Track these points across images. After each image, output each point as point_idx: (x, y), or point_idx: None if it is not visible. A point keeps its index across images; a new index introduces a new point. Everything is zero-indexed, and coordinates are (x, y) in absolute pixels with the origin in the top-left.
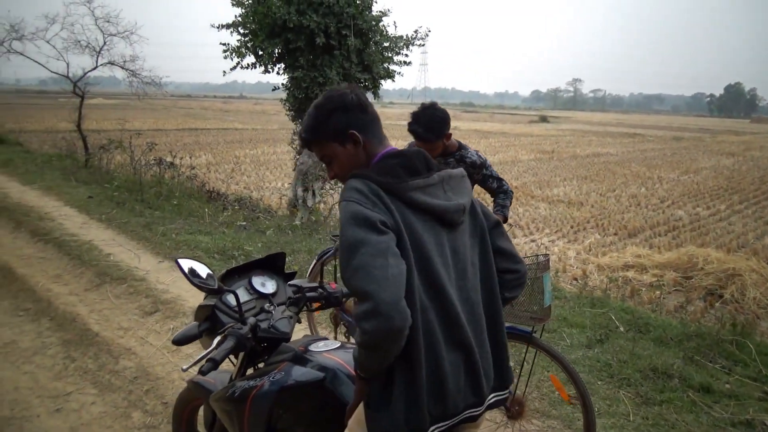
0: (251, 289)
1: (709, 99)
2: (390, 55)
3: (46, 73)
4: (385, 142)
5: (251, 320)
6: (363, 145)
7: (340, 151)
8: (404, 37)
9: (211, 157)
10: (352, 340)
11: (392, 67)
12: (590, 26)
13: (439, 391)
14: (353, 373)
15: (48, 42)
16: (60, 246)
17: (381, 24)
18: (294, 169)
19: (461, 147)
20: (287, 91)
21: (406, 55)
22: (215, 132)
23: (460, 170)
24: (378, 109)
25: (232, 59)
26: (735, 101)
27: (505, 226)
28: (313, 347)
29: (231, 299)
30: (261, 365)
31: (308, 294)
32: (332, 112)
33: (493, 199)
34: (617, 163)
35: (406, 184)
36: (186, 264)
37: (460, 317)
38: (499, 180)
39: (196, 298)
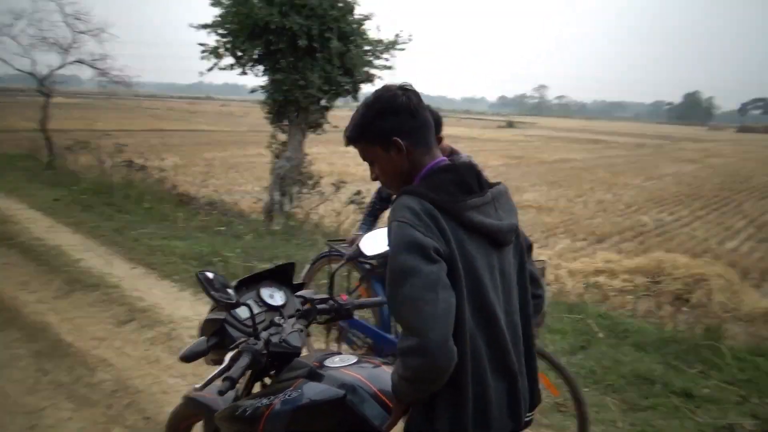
0: (260, 301)
1: (668, 107)
2: (371, 59)
3: (4, 70)
4: (433, 152)
5: (264, 334)
6: (407, 153)
7: (382, 155)
8: (385, 42)
9: (178, 159)
10: (344, 349)
11: (373, 71)
12: (556, 34)
13: (483, 419)
14: (375, 390)
15: (13, 39)
16: (26, 251)
17: (363, 27)
18: (271, 173)
19: (453, 152)
20: (267, 94)
21: (387, 60)
22: (182, 134)
23: (505, 186)
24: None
25: (209, 60)
26: (693, 109)
27: None
28: (328, 362)
29: (241, 312)
30: (266, 381)
31: (319, 306)
32: (380, 113)
33: None
34: (584, 169)
35: (463, 204)
36: (206, 276)
37: (507, 343)
38: None
39: (173, 305)
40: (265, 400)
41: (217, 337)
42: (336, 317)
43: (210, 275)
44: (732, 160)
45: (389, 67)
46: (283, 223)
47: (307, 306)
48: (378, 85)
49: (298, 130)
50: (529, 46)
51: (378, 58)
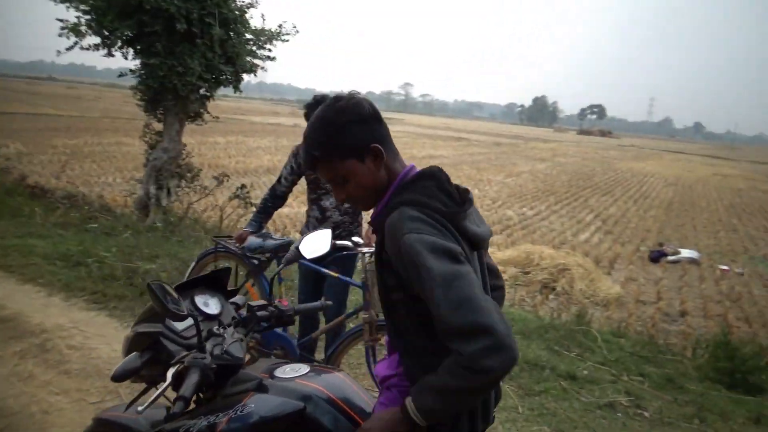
0: (196, 310)
1: (520, 109)
2: (254, 48)
3: None
4: (400, 158)
5: (208, 347)
6: (384, 159)
7: (358, 168)
8: (268, 31)
9: (21, 146)
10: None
11: (256, 61)
12: (422, 33)
13: (485, 414)
14: (337, 401)
15: None
16: None
17: (246, 15)
18: (145, 165)
19: None
20: (140, 79)
21: (270, 50)
22: (23, 117)
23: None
24: (234, 103)
25: (68, 38)
26: (541, 112)
27: None
28: (279, 373)
29: (178, 324)
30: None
31: (259, 313)
32: (348, 125)
33: None
34: (450, 165)
35: (463, 214)
36: (162, 287)
37: None
38: None
39: (43, 313)
40: (211, 418)
41: (150, 352)
42: (277, 324)
43: (165, 286)
44: (576, 160)
45: (272, 58)
46: (161, 219)
47: (245, 313)
48: (261, 75)
49: (175, 120)
50: (396, 44)
51: (261, 48)
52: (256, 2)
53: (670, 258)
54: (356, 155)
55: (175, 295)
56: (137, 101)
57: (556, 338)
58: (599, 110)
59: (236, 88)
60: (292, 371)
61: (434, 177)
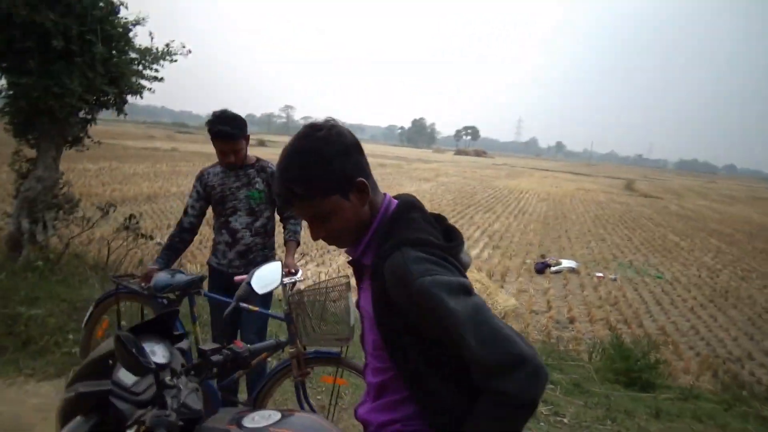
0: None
1: (400, 130)
2: (140, 68)
3: None
4: (378, 189)
5: (169, 401)
6: (369, 194)
7: (342, 205)
8: (156, 51)
9: None
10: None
11: (143, 82)
12: (301, 57)
13: None
14: None
15: None
16: None
17: (131, 33)
18: (16, 197)
19: (258, 158)
20: (8, 100)
21: (156, 70)
22: None
23: None
24: (104, 126)
25: None
26: (419, 133)
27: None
28: (247, 422)
29: (125, 378)
30: None
31: (213, 358)
32: (331, 158)
33: (281, 220)
34: None
35: (460, 248)
36: (131, 341)
37: None
38: None
39: None
40: None
41: (97, 414)
42: (233, 368)
43: (131, 337)
44: (457, 179)
45: (160, 79)
46: (37, 257)
47: (196, 360)
48: (149, 98)
49: (51, 145)
50: (275, 66)
51: (147, 68)
52: (144, 20)
53: (553, 268)
54: (340, 191)
55: (140, 345)
56: (5, 125)
57: None
58: (473, 131)
59: (120, 111)
60: (262, 419)
61: (416, 207)
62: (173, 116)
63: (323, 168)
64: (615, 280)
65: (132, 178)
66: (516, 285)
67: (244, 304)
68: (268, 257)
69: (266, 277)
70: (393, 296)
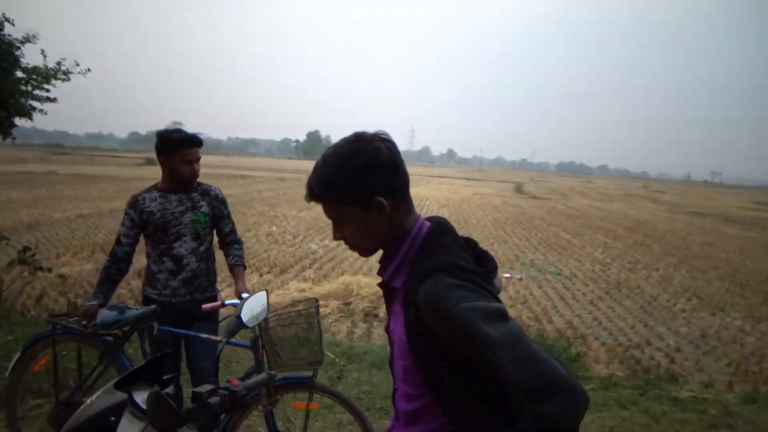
0: (137, 411)
1: (295, 144)
2: (29, 89)
3: None
4: (414, 210)
5: None
6: (389, 214)
7: (358, 216)
8: (45, 69)
9: None
10: None
11: (34, 103)
12: (185, 70)
13: None
14: None
15: None
16: None
17: (19, 52)
18: None
19: (199, 182)
20: None
21: (48, 90)
22: None
23: None
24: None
25: None
26: (315, 146)
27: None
28: None
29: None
30: None
31: (210, 401)
32: (359, 170)
33: (221, 245)
34: (240, 203)
35: (494, 273)
36: (165, 397)
37: None
38: (233, 224)
39: None
40: None
41: None
42: (230, 409)
43: (161, 393)
44: None
45: (52, 99)
46: None
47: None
48: (40, 120)
49: None
50: (161, 81)
51: (37, 88)
52: (34, 38)
53: None
54: (359, 203)
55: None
56: None
57: None
58: None
59: (7, 135)
60: None
61: (448, 230)
62: (47, 136)
63: (343, 178)
64: (521, 279)
65: (5, 206)
66: None
67: (204, 334)
68: (212, 282)
69: (255, 308)
70: (428, 322)
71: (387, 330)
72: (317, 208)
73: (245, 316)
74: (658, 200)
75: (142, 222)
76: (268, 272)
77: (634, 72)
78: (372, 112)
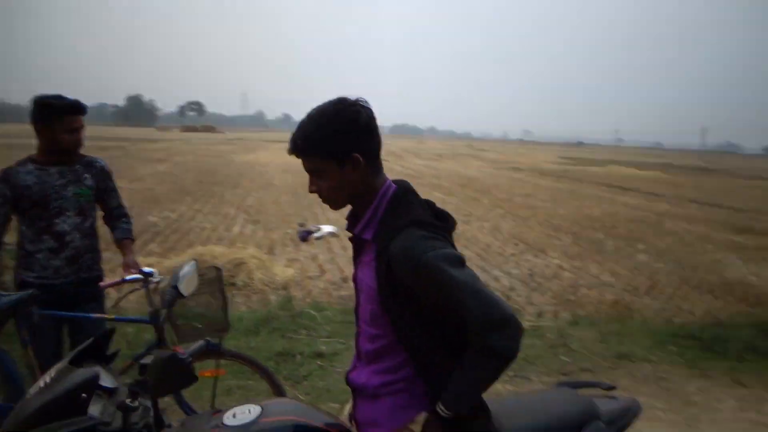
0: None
1: (114, 109)
2: None
3: None
4: (383, 173)
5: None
6: (363, 171)
7: (334, 171)
8: None
9: None
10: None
11: None
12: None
13: None
14: (316, 425)
15: None
16: None
17: None
18: None
19: (82, 154)
20: None
21: None
22: None
23: None
24: None
25: None
26: (137, 111)
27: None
28: (229, 421)
29: (93, 410)
30: None
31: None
32: (340, 128)
33: (108, 219)
34: None
35: (453, 228)
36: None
37: None
38: (120, 197)
39: None
40: None
41: None
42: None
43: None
44: (194, 157)
45: None
46: None
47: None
48: None
49: None
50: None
51: None
52: None
53: (316, 235)
54: (336, 159)
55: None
56: None
57: (282, 326)
58: (198, 107)
59: None
60: (243, 415)
61: (412, 192)
62: None
63: (326, 134)
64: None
65: None
66: (285, 255)
67: (94, 314)
68: (96, 260)
69: (189, 278)
70: (397, 271)
71: (354, 279)
72: (148, 179)
73: (182, 286)
74: (482, 158)
75: (15, 197)
76: (105, 249)
77: (450, 33)
78: (199, 75)
